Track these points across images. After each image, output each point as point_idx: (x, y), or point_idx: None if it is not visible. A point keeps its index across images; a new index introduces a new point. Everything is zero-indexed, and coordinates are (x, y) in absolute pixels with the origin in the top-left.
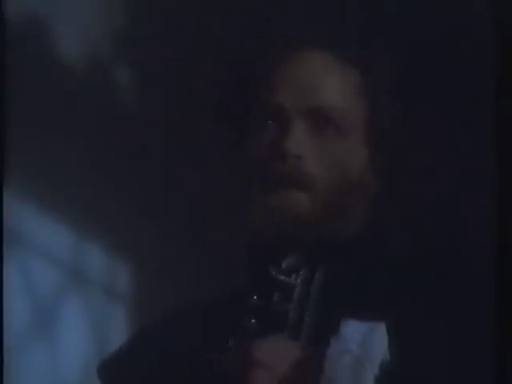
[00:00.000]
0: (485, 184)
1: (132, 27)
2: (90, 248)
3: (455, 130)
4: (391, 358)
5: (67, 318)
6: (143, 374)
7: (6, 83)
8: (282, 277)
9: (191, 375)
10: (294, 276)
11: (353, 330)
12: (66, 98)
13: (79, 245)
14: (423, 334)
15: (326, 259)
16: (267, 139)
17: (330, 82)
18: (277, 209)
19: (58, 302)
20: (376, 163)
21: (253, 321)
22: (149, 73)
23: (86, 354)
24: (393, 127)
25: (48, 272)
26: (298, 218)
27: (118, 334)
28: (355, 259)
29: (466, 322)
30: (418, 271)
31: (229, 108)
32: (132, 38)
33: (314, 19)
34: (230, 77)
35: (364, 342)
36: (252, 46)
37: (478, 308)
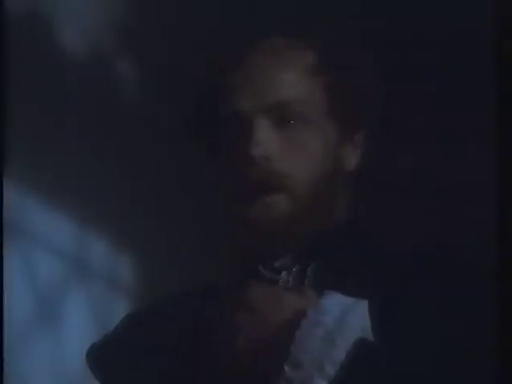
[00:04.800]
0: (486, 189)
1: (132, 18)
2: (93, 240)
3: (456, 135)
4: (375, 337)
5: (70, 309)
6: (131, 360)
7: (8, 78)
8: (270, 275)
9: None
10: (285, 273)
11: (333, 303)
12: (69, 87)
13: (82, 237)
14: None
15: (317, 255)
16: (234, 148)
17: (283, 73)
18: (257, 218)
19: (61, 293)
20: (351, 136)
21: None
22: (145, 64)
23: (89, 345)
24: (360, 96)
25: (51, 263)
26: (281, 221)
27: None
28: (345, 252)
29: (459, 320)
30: (412, 268)
31: (195, 123)
32: (132, 29)
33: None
34: (193, 89)
35: (341, 316)
36: (208, 52)
37: (474, 308)
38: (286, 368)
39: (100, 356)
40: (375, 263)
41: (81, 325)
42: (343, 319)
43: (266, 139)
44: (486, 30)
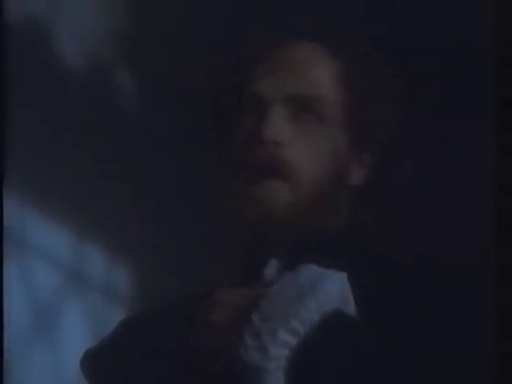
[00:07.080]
0: (484, 196)
1: (132, 26)
2: (91, 250)
3: (457, 143)
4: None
5: (67, 319)
6: (125, 365)
7: (8, 86)
8: (263, 279)
9: (174, 364)
10: (275, 277)
11: (310, 271)
12: (66, 98)
13: (79, 246)
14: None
15: (312, 261)
16: (246, 128)
17: (311, 71)
18: (257, 199)
19: (59, 303)
20: (359, 155)
21: None
22: (145, 72)
23: None
24: (377, 119)
25: (48, 274)
26: (280, 210)
27: None
28: (339, 259)
29: (457, 328)
30: (408, 273)
31: (216, 103)
32: (132, 39)
33: (298, 11)
34: (217, 73)
35: (317, 281)
36: (240, 42)
37: (473, 316)
38: (255, 320)
39: (94, 362)
40: (373, 270)
41: (78, 335)
42: (318, 283)
43: (280, 126)
44: (486, 38)
